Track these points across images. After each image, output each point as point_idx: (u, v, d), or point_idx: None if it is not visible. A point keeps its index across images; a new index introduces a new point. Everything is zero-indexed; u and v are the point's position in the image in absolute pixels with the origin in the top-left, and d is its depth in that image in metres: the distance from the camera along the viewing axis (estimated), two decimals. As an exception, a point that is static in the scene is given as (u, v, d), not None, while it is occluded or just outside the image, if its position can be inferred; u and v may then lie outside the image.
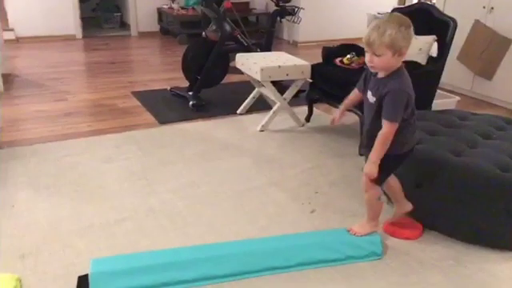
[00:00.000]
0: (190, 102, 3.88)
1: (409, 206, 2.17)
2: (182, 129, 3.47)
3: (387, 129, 1.82)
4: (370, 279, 1.92)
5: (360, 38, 1.93)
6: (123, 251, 2.01)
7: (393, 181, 2.12)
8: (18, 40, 6.13)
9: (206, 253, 1.96)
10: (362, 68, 3.33)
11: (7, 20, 6.04)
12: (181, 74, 4.16)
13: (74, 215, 2.29)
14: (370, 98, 1.92)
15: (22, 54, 5.61)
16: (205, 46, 3.99)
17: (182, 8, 6.76)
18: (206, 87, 4.04)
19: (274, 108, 3.49)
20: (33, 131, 3.35)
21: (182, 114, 3.78)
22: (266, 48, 4.30)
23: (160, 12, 6.99)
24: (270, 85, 3.41)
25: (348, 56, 3.38)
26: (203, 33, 4.06)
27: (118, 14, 7.44)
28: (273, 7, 4.50)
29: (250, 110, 3.81)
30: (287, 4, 4.32)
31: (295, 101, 3.65)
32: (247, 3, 7.13)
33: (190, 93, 3.98)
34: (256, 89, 3.77)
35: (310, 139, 3.34)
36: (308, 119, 3.63)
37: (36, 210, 2.32)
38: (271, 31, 4.40)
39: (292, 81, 3.51)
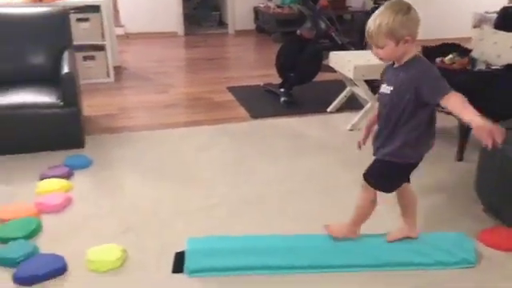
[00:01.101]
0: (282, 99, 3.97)
1: (415, 233, 2.01)
2: (272, 124, 3.57)
3: (452, 99, 1.60)
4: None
5: (464, 38, 1.85)
6: (216, 234, 2.14)
7: (411, 194, 1.98)
8: (127, 36, 6.68)
9: (294, 243, 2.03)
10: (465, 69, 3.17)
11: (119, 18, 6.61)
12: (274, 71, 4.26)
13: (173, 198, 2.48)
14: (386, 89, 1.78)
15: (130, 48, 6.11)
16: (299, 44, 4.05)
17: (278, 6, 6.89)
18: (298, 84, 4.11)
19: (366, 107, 3.46)
20: (138, 119, 3.66)
21: (273, 109, 3.88)
22: (361, 47, 4.25)
23: (256, 11, 7.19)
24: (363, 83, 3.38)
25: (450, 56, 3.24)
26: (298, 30, 4.12)
27: (217, 12, 7.78)
28: (370, 5, 4.43)
29: (341, 109, 3.81)
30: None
31: (388, 101, 3.58)
32: (343, 1, 7.07)
33: (282, 89, 4.07)
34: (348, 87, 3.75)
35: (402, 141, 3.25)
36: (401, 120, 3.53)
37: (140, 190, 2.55)
38: (367, 30, 4.34)
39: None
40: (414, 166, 1.86)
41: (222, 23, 7.73)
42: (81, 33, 4.15)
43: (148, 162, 2.89)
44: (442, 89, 1.62)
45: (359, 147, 2.02)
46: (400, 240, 2.01)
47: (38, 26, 3.20)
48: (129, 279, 1.87)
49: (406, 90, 1.70)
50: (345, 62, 3.43)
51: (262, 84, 4.38)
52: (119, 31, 6.32)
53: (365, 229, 2.04)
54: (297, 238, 2.08)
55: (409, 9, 1.67)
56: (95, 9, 4.31)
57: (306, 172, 2.80)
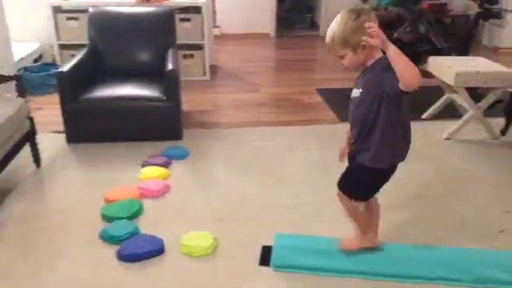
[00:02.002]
0: (373, 103, 3.89)
1: (373, 242, 1.96)
2: (362, 128, 3.52)
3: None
4: None
5: None
6: (301, 232, 2.19)
7: (374, 202, 1.95)
8: (222, 36, 6.94)
9: (379, 250, 2.00)
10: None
11: (215, 19, 6.90)
12: (366, 75, 4.19)
13: (262, 193, 2.56)
14: (355, 92, 1.75)
15: (224, 48, 6.35)
16: (396, 47, 3.94)
17: (374, 9, 6.72)
18: (391, 89, 4.00)
19: (466, 116, 3.28)
20: (231, 116, 3.81)
21: (363, 113, 3.82)
22: (463, 52, 4.03)
23: (350, 13, 7.10)
24: (464, 91, 3.21)
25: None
26: (395, 33, 4.02)
27: (310, 14, 7.80)
28: (473, 9, 4.19)
29: (437, 117, 3.65)
30: (493, 6, 3.98)
31: (490, 111, 3.36)
32: (445, 4, 6.73)
33: (374, 93, 3.99)
34: (446, 94, 3.58)
35: (504, 154, 3.05)
36: (504, 132, 3.31)
37: (231, 183, 2.67)
38: (471, 34, 4.11)
39: (489, 89, 3.24)
40: (387, 173, 1.82)
41: (313, 25, 7.74)
42: (183, 32, 4.40)
43: (238, 157, 3.01)
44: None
45: (341, 161, 1.95)
46: (356, 251, 1.97)
47: (147, 24, 3.46)
48: (218, 266, 1.97)
49: (374, 88, 1.66)
50: (445, 68, 3.29)
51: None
52: (215, 32, 6.60)
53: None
54: (385, 246, 2.05)
55: (359, 14, 1.62)
56: (197, 10, 4.56)
57: (396, 179, 2.72)
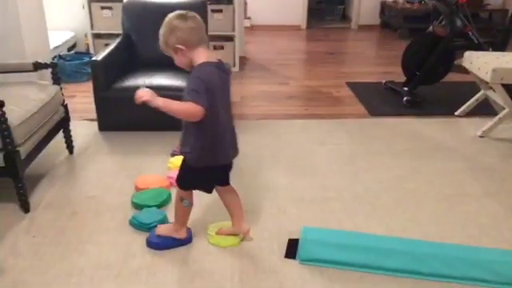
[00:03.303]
0: (405, 98, 3.82)
1: (245, 229, 2.04)
2: (392, 123, 3.46)
3: (189, 104, 1.66)
4: None
5: None
6: (327, 226, 2.17)
7: (230, 196, 2.03)
8: (252, 27, 6.93)
9: (408, 247, 1.98)
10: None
11: (246, 10, 6.88)
12: (397, 69, 4.12)
13: (289, 186, 2.56)
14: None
15: (254, 40, 6.33)
16: (430, 41, 3.85)
17: (408, 2, 6.59)
18: (424, 84, 3.92)
19: (501, 114, 3.18)
20: (259, 108, 3.81)
21: (394, 108, 3.76)
22: (501, 48, 3.90)
23: (383, 5, 6.96)
24: (501, 88, 3.10)
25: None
26: (430, 27, 3.92)
27: (341, 6, 7.69)
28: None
29: (471, 113, 3.55)
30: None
31: (528, 109, 3.25)
32: (482, -2, 6.53)
33: (406, 88, 3.92)
34: (482, 91, 3.48)
35: (542, 154, 2.94)
36: (541, 131, 3.20)
37: (259, 175, 2.67)
38: (509, 29, 3.97)
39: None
40: (216, 169, 1.90)
41: (345, 17, 7.63)
42: (214, 23, 4.41)
43: (267, 149, 3.01)
44: (188, 95, 1.68)
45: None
46: (228, 235, 2.05)
47: (180, 15, 3.47)
48: (245, 257, 1.98)
49: (185, 92, 1.73)
50: (481, 64, 3.19)
51: (383, 81, 4.26)
52: (246, 23, 6.59)
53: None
54: (412, 242, 2.03)
55: (177, 18, 1.73)
56: (229, 1, 4.55)
57: (428, 176, 2.68)
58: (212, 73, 1.74)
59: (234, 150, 1.94)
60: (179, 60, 1.79)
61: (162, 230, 2.07)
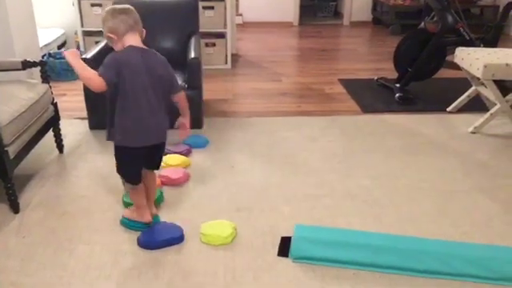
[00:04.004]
0: (397, 94, 3.82)
1: (148, 217, 2.09)
2: (385, 119, 3.47)
3: (93, 74, 1.81)
4: None
5: None
6: (320, 224, 2.17)
7: (149, 182, 2.12)
8: (244, 24, 6.90)
9: (402, 244, 1.97)
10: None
11: (238, 6, 6.86)
12: (389, 65, 4.12)
13: (282, 183, 2.55)
14: None
15: (246, 36, 6.32)
16: (422, 38, 3.86)
17: (400, -2, 6.60)
18: (415, 80, 3.92)
19: (493, 110, 3.19)
20: (251, 105, 3.79)
21: (386, 104, 3.76)
22: (492, 44, 3.91)
23: (375, 2, 6.97)
24: (492, 84, 3.11)
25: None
26: (422, 23, 3.92)
27: (334, 3, 7.68)
28: (503, 0, 4.05)
29: (462, 109, 3.56)
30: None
31: (519, 104, 3.26)
32: (472, -6, 6.55)
33: (398, 84, 3.92)
34: (473, 87, 3.49)
35: (533, 149, 2.96)
36: (532, 126, 3.21)
37: (251, 173, 2.66)
38: (500, 26, 3.99)
39: (518, 82, 3.14)
40: (137, 150, 1.95)
41: (337, 14, 7.63)
42: (205, 20, 4.39)
43: (259, 146, 2.99)
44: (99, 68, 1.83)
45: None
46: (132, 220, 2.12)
47: (171, 11, 3.43)
48: (237, 256, 1.97)
49: None
50: (472, 60, 3.19)
51: (376, 78, 4.26)
52: (237, 20, 6.56)
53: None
54: (405, 239, 2.02)
55: (109, 11, 1.90)
56: (220, -3, 4.53)
57: (419, 172, 2.68)
58: (130, 55, 1.87)
59: (158, 136, 2.00)
60: (115, 47, 1.93)
61: (127, 212, 2.17)
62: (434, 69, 3.94)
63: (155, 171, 2.15)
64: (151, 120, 1.92)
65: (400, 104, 3.75)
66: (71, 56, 1.84)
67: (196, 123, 3.15)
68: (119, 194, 2.38)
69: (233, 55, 5.01)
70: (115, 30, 1.88)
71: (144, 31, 1.96)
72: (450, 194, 2.45)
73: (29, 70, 2.69)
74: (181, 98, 2.10)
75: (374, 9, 7.02)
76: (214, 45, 4.67)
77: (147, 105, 1.89)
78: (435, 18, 3.84)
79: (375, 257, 1.90)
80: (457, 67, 3.51)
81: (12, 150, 2.22)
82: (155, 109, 1.92)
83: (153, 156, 2.06)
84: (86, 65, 1.83)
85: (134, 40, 1.90)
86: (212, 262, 1.94)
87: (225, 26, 4.63)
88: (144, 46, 1.93)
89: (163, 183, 2.48)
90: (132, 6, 3.50)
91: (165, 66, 1.98)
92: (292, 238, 2.01)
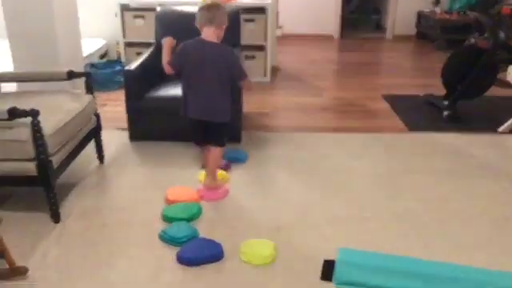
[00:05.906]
0: (445, 112, 3.66)
1: (206, 183, 2.51)
2: (432, 139, 3.31)
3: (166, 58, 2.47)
4: None
5: None
6: (365, 247, 2.06)
7: (206, 155, 2.54)
8: (284, 36, 6.87)
9: (454, 273, 1.85)
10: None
11: (278, 19, 6.83)
12: (434, 81, 3.96)
13: (323, 203, 2.45)
14: None
15: (285, 49, 6.26)
16: (472, 54, 3.69)
17: (446, 12, 6.40)
18: (465, 98, 3.75)
19: (551, 131, 2.99)
20: (291, 120, 3.72)
21: (433, 123, 3.60)
22: (548, 61, 3.70)
23: (420, 15, 6.79)
24: (550, 104, 2.92)
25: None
26: (472, 39, 3.76)
27: (376, 16, 7.55)
28: None
29: (516, 130, 3.37)
30: None
31: None
32: (524, 8, 6.26)
33: (446, 102, 3.76)
34: (528, 106, 3.29)
35: None
36: None
37: (291, 191, 2.58)
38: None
39: None
40: (192, 121, 2.42)
41: (379, 27, 7.48)
42: (246, 33, 4.36)
43: (299, 163, 2.91)
44: None
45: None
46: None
47: (214, 24, 3.43)
48: (278, 277, 1.89)
49: None
50: (529, 78, 3.02)
51: (421, 94, 4.11)
52: (277, 32, 6.53)
53: None
54: (456, 268, 1.89)
55: (200, 5, 2.39)
56: (261, 10, 4.50)
57: (472, 197, 2.52)
58: (189, 44, 2.36)
59: (204, 114, 2.38)
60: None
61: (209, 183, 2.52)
62: (484, 87, 3.75)
63: (214, 150, 2.50)
64: (199, 99, 2.36)
65: (448, 123, 3.58)
66: (165, 44, 2.40)
67: (235, 137, 3.10)
68: (159, 207, 2.36)
69: (272, 68, 4.96)
70: (197, 21, 2.36)
71: (224, 26, 2.36)
72: (504, 222, 2.29)
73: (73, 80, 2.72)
74: (243, 85, 2.52)
75: (419, 22, 6.84)
76: (253, 57, 4.64)
77: (199, 87, 2.34)
78: (486, 34, 3.66)
79: (423, 286, 1.79)
80: (509, 85, 3.33)
81: (56, 160, 2.23)
82: (204, 91, 2.35)
83: (207, 131, 2.44)
84: (168, 52, 2.39)
85: (206, 32, 2.33)
86: (252, 282, 1.86)
87: (265, 38, 4.60)
88: (213, 40, 2.32)
89: (201, 198, 2.43)
90: (174, 17, 3.53)
91: (225, 57, 2.34)
92: (336, 262, 1.91)
